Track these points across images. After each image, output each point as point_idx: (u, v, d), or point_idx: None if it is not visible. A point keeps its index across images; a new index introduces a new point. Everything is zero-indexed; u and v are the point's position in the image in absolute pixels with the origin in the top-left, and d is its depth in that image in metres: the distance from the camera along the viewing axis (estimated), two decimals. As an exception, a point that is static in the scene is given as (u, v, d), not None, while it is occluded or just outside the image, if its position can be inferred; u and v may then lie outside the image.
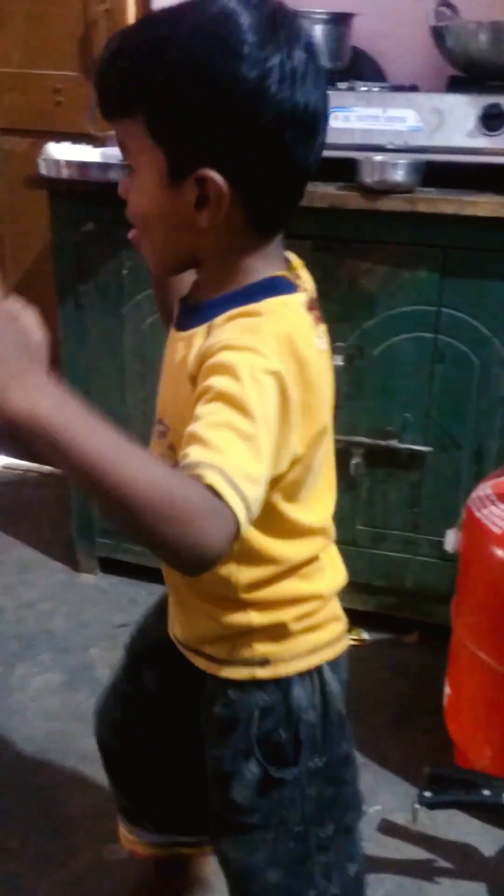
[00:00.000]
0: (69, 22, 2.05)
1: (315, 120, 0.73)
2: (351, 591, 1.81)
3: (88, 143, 1.76)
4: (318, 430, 0.79)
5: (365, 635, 1.85)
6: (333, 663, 0.92)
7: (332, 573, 0.93)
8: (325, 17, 1.65)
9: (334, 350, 1.60)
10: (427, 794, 1.23)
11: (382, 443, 1.66)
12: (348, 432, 1.67)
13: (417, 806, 1.24)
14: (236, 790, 0.87)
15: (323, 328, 0.82)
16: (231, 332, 0.72)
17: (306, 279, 0.83)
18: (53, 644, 1.81)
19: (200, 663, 0.90)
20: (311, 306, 0.80)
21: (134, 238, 0.81)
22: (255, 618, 0.85)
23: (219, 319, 0.75)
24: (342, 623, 0.96)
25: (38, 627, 1.85)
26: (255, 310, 0.73)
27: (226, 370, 0.67)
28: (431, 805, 1.24)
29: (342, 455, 1.68)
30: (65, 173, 1.59)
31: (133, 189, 0.76)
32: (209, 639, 0.88)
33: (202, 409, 0.67)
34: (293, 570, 0.85)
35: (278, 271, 0.78)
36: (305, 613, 0.88)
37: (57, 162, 1.59)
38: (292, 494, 0.80)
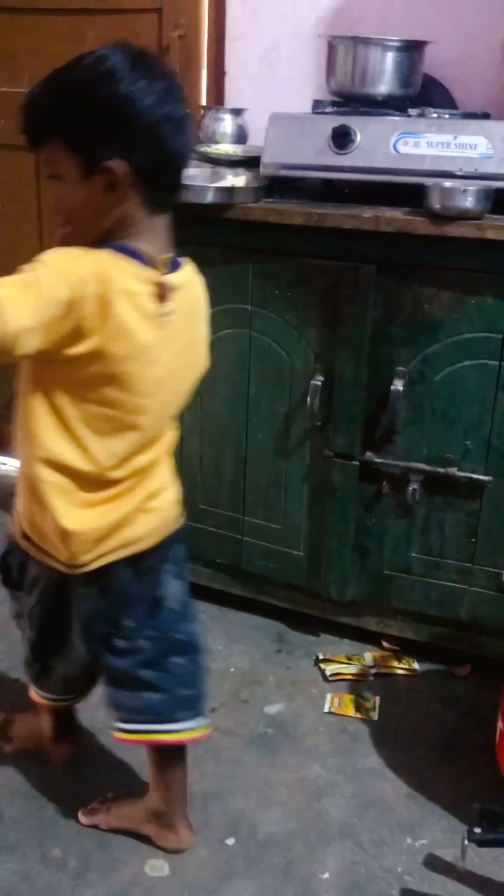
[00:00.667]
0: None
1: (179, 122, 1.04)
2: (403, 619, 1.81)
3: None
4: (98, 351, 1.00)
5: (416, 665, 1.82)
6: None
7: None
8: (398, 44, 1.66)
9: (395, 374, 1.60)
10: (477, 830, 1.20)
11: (441, 470, 1.64)
12: (407, 458, 1.66)
13: (467, 842, 1.21)
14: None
15: (169, 306, 1.07)
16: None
17: (181, 273, 1.11)
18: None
19: None
20: (158, 287, 1.05)
21: (63, 237, 1.06)
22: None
23: None
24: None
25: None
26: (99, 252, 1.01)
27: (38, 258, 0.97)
28: (481, 843, 1.21)
29: (400, 480, 1.67)
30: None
31: (62, 194, 1.05)
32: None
33: None
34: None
35: (146, 250, 1.05)
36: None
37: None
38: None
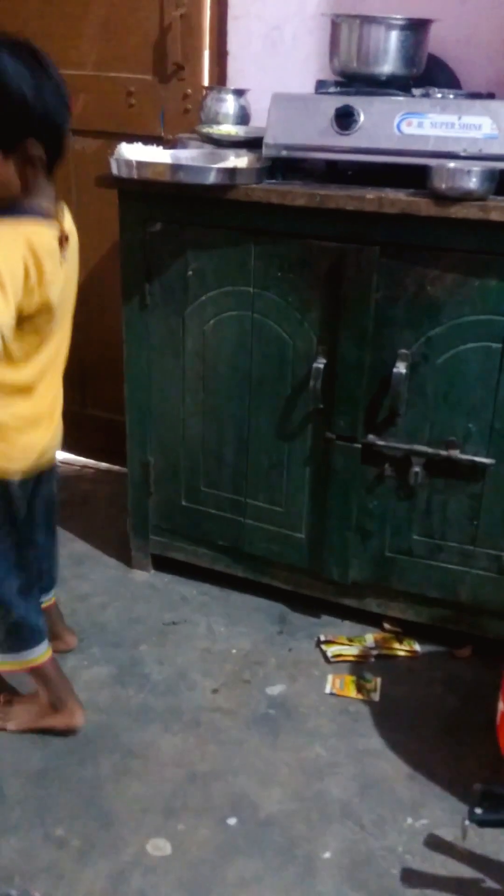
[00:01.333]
0: (145, 27, 2.07)
1: (66, 105, 1.26)
2: (404, 601, 1.81)
3: (159, 145, 1.78)
4: (42, 301, 1.27)
5: (417, 647, 1.82)
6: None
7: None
8: (402, 23, 1.64)
9: (398, 357, 1.60)
10: (478, 811, 1.20)
11: (444, 453, 1.64)
12: (409, 441, 1.66)
13: (468, 823, 1.22)
14: None
15: (68, 250, 1.35)
16: None
17: (67, 220, 1.37)
18: (104, 638, 1.83)
19: None
20: (61, 238, 1.31)
21: None
22: None
23: None
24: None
25: (89, 621, 1.87)
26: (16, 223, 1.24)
27: None
28: (482, 823, 1.22)
29: (402, 463, 1.67)
30: (136, 173, 1.60)
31: None
32: None
33: None
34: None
35: (45, 206, 1.30)
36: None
37: (129, 162, 1.61)
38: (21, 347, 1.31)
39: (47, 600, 1.68)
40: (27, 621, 1.48)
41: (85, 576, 2.03)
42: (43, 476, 1.49)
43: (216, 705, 1.65)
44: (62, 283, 1.34)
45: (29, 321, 1.29)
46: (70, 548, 2.13)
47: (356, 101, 1.58)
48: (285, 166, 1.67)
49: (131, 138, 1.74)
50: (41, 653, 1.51)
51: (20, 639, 1.49)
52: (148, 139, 1.81)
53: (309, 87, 1.78)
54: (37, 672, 1.53)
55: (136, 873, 1.31)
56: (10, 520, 1.42)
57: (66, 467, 2.53)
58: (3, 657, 1.50)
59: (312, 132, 1.61)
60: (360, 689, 1.70)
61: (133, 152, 1.66)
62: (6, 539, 1.43)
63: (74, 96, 2.16)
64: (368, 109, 1.58)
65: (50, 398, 1.44)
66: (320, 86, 1.74)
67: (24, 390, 1.37)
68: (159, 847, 1.36)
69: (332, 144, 1.61)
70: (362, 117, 1.58)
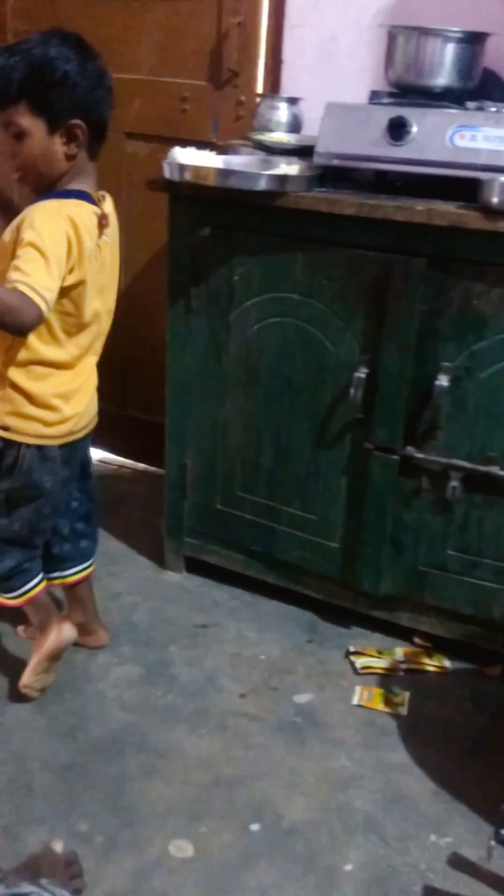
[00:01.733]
0: (202, 34, 2.09)
1: (110, 92, 1.40)
2: (436, 616, 1.80)
3: (211, 150, 1.79)
4: (80, 278, 1.38)
5: (447, 663, 1.81)
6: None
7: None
8: (458, 36, 1.64)
9: (440, 369, 1.59)
10: (504, 831, 1.19)
11: (482, 468, 1.62)
12: (448, 454, 1.65)
13: (493, 843, 1.20)
14: None
15: (108, 232, 1.44)
16: (39, 210, 1.35)
17: (108, 204, 1.48)
18: (135, 637, 1.84)
19: None
20: (101, 218, 1.42)
21: (19, 180, 1.41)
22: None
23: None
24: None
25: (121, 619, 1.88)
26: (60, 202, 1.37)
27: (30, 227, 1.32)
28: (509, 844, 1.20)
29: (440, 477, 1.66)
30: (188, 177, 1.62)
31: (23, 148, 1.37)
32: None
33: (19, 251, 1.31)
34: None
35: (89, 190, 1.42)
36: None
37: (181, 166, 1.62)
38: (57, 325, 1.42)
39: (85, 569, 1.72)
40: (15, 563, 1.56)
41: (118, 574, 2.05)
42: (78, 444, 1.56)
43: (243, 710, 1.66)
44: (99, 263, 1.43)
45: (66, 296, 1.38)
46: (105, 546, 2.14)
47: (409, 113, 1.58)
48: (335, 175, 1.68)
49: (183, 143, 1.75)
50: (32, 586, 1.59)
51: (12, 577, 1.58)
52: (199, 145, 1.83)
53: (362, 98, 1.79)
54: (31, 605, 1.60)
55: (157, 873, 1.32)
56: (32, 482, 1.49)
57: (103, 467, 2.55)
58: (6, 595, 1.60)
59: (364, 142, 1.61)
60: (387, 702, 1.69)
61: (186, 156, 1.67)
62: (14, 510, 1.52)
63: (129, 100, 2.21)
64: (421, 121, 1.58)
65: (86, 375, 1.52)
66: (374, 96, 1.75)
67: (64, 366, 1.46)
68: (182, 848, 1.37)
69: (383, 155, 1.61)
70: (415, 129, 1.58)
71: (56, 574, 1.69)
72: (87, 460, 1.65)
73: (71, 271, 1.36)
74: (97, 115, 1.38)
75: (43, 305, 1.29)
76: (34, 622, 1.62)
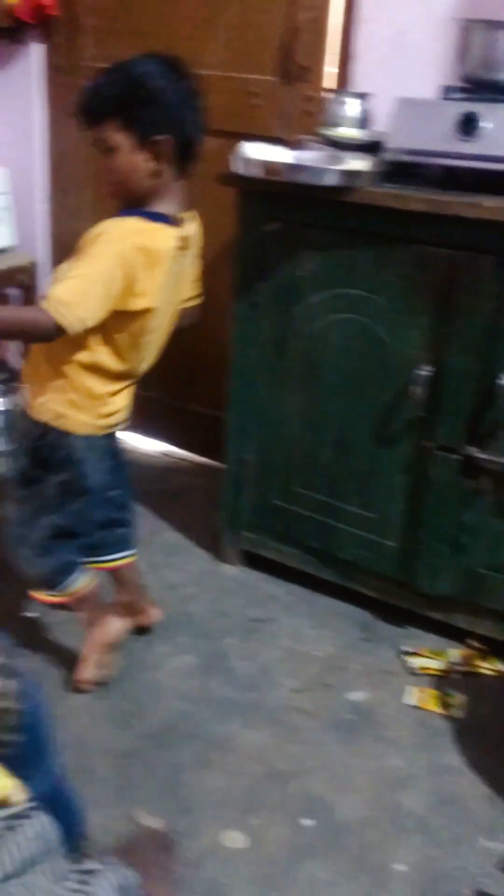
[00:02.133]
0: (273, 29, 2.09)
1: (200, 112, 1.42)
2: (493, 619, 1.77)
3: (279, 145, 1.79)
4: (147, 306, 1.42)
5: (502, 667, 1.78)
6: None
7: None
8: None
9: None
10: None
11: (547, 470, 1.60)
12: (511, 456, 1.62)
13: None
14: None
15: (187, 254, 1.50)
16: (108, 229, 1.39)
17: (192, 226, 1.51)
18: (192, 628, 1.86)
19: None
20: (182, 242, 1.45)
21: (109, 194, 1.45)
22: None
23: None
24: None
25: (178, 610, 1.91)
26: (136, 227, 1.40)
27: (86, 243, 1.38)
28: None
29: (502, 478, 1.64)
30: (257, 172, 1.62)
31: (113, 162, 1.40)
32: None
33: (72, 264, 1.39)
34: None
35: (171, 211, 1.44)
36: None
37: (250, 160, 1.63)
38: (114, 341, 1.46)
39: (124, 557, 1.73)
40: (61, 561, 1.59)
41: (176, 566, 2.07)
42: (114, 434, 1.61)
43: (297, 706, 1.66)
44: (172, 285, 1.46)
45: (134, 320, 1.43)
46: (163, 537, 2.17)
47: (481, 108, 1.56)
48: (404, 171, 1.66)
49: (251, 138, 1.75)
50: (84, 581, 1.61)
51: (59, 574, 1.60)
52: (268, 140, 1.83)
53: (433, 93, 1.77)
54: (79, 601, 1.63)
55: (210, 862, 1.33)
56: (83, 473, 1.53)
57: (165, 459, 2.58)
58: (49, 592, 1.63)
59: (435, 137, 1.60)
60: (442, 703, 1.67)
61: (255, 151, 1.67)
62: (58, 488, 1.53)
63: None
64: (493, 116, 1.55)
65: (137, 377, 1.57)
66: (445, 91, 1.72)
67: (123, 375, 1.51)
68: (235, 839, 1.38)
69: (454, 150, 1.59)
70: (487, 124, 1.55)
71: (93, 559, 1.71)
72: (120, 449, 1.68)
73: (137, 297, 1.39)
74: (186, 134, 1.40)
75: (64, 319, 1.31)
76: (83, 618, 1.65)
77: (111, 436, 1.59)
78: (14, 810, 0.84)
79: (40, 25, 2.45)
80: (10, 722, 0.96)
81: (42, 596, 1.66)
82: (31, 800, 0.87)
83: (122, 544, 1.73)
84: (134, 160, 1.39)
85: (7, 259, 2.50)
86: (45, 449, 1.51)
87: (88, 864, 0.86)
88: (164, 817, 1.40)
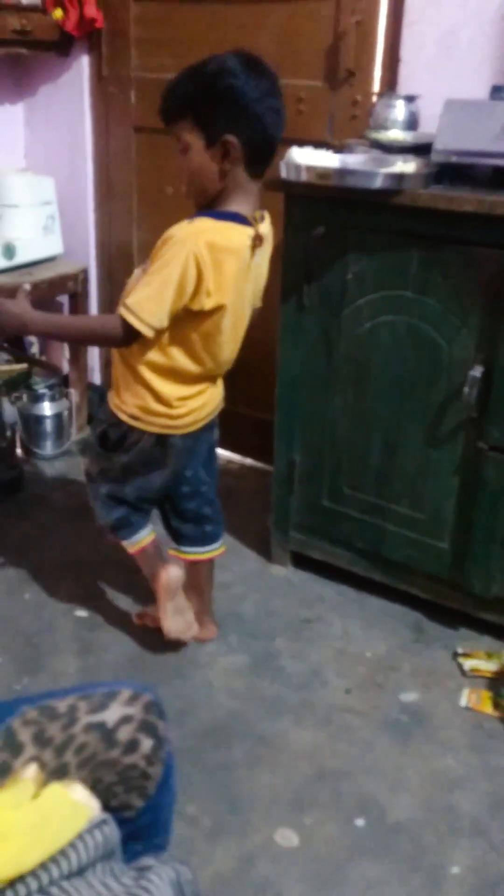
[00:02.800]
0: (319, 34, 2.10)
1: (277, 111, 1.40)
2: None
3: (327, 150, 1.80)
4: (216, 302, 1.42)
5: None
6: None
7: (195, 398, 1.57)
8: None
9: None
10: None
11: None
12: None
13: None
14: None
15: (259, 252, 1.47)
16: (177, 233, 1.40)
17: (265, 224, 1.50)
18: (242, 628, 1.87)
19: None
20: (255, 239, 1.44)
21: (186, 194, 1.46)
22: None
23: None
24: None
25: (228, 610, 1.92)
26: (204, 227, 1.41)
27: (157, 249, 1.41)
28: None
29: None
30: (304, 177, 1.64)
31: (187, 161, 1.42)
32: None
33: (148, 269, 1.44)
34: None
35: (244, 210, 1.44)
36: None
37: (298, 166, 1.64)
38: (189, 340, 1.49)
39: (207, 551, 1.76)
40: (118, 517, 1.69)
41: (226, 566, 2.08)
42: (202, 432, 1.62)
43: (348, 705, 1.66)
44: (245, 282, 1.47)
45: (208, 318, 1.45)
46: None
47: (532, 107, 1.55)
48: (452, 172, 1.66)
49: (299, 144, 1.77)
50: (140, 538, 1.72)
51: (117, 528, 1.72)
52: (315, 144, 1.84)
53: (483, 93, 1.76)
54: (139, 554, 1.73)
55: (263, 860, 1.35)
56: (149, 460, 1.59)
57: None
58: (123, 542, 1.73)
59: (484, 138, 1.59)
60: (496, 705, 1.66)
61: (303, 156, 1.69)
62: (121, 467, 1.62)
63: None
64: (545, 115, 1.54)
65: (211, 381, 1.60)
66: (495, 91, 1.72)
67: (198, 377, 1.55)
68: (287, 838, 1.39)
69: (503, 150, 1.58)
70: (538, 123, 1.54)
71: (176, 548, 1.76)
72: (212, 444, 1.70)
73: (208, 295, 1.40)
74: (260, 133, 1.39)
75: (136, 322, 1.38)
76: (146, 571, 1.73)
77: (195, 434, 1.60)
78: (94, 822, 0.83)
79: (87, 38, 2.50)
80: (141, 785, 0.91)
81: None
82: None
83: (206, 540, 1.75)
84: (203, 160, 1.39)
85: (56, 267, 2.55)
86: (118, 436, 1.60)
87: (143, 862, 0.87)
88: (215, 815, 1.41)
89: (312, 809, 1.44)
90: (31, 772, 0.85)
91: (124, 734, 0.89)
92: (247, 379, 2.49)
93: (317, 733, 1.59)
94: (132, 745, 0.89)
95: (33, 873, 0.76)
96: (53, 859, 0.78)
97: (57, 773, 0.87)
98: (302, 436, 1.94)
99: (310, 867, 1.34)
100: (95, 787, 0.88)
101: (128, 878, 0.84)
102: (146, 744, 0.90)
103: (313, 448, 1.93)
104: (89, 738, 0.88)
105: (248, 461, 2.59)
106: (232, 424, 2.55)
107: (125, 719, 0.90)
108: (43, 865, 0.77)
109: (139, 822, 0.92)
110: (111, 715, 0.90)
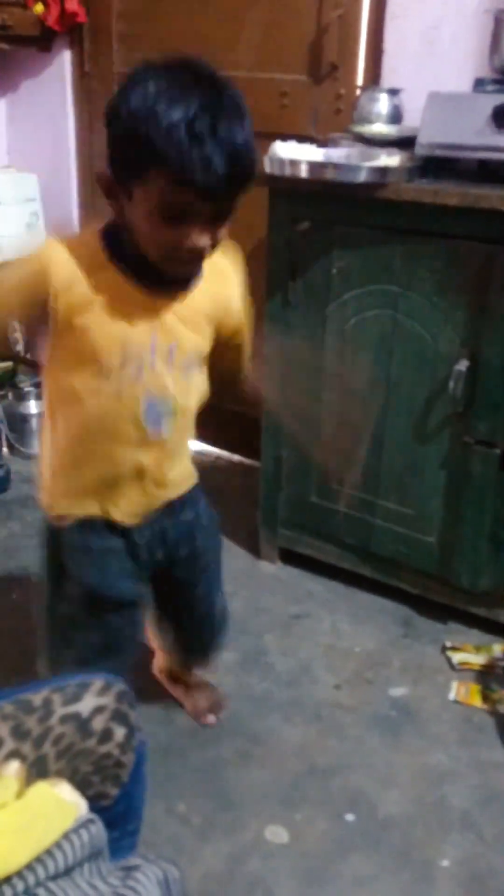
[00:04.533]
0: (302, 28, 2.10)
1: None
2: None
3: (311, 144, 1.80)
4: None
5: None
6: None
7: None
8: None
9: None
10: None
11: None
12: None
13: None
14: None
15: None
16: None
17: None
18: (230, 625, 1.86)
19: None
20: None
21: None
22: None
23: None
24: None
25: (217, 608, 1.92)
26: None
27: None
28: None
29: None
30: (288, 171, 1.63)
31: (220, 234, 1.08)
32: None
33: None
34: None
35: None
36: None
37: (282, 160, 1.64)
38: None
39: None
40: None
41: (214, 564, 2.08)
42: (147, 525, 1.29)
43: (338, 701, 1.66)
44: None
45: None
46: (200, 536, 2.18)
47: (516, 100, 1.55)
48: (437, 166, 1.66)
49: (282, 138, 1.76)
50: None
51: None
52: (299, 139, 1.83)
53: (466, 86, 1.76)
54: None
55: (253, 857, 1.34)
56: (68, 574, 1.27)
57: (199, 458, 2.58)
58: None
59: (468, 131, 1.59)
60: (485, 699, 1.66)
61: (287, 151, 1.68)
62: (63, 600, 1.28)
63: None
64: (528, 108, 1.54)
65: None
66: (478, 84, 1.72)
67: None
68: (277, 834, 1.39)
69: (487, 143, 1.58)
70: (521, 116, 1.54)
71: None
72: (176, 543, 1.39)
73: None
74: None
75: None
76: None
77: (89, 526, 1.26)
78: (80, 821, 0.83)
79: (69, 33, 2.48)
80: (115, 774, 0.93)
81: None
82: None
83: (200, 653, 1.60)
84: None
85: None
86: None
87: (131, 861, 0.87)
88: (205, 813, 1.41)
89: (302, 806, 1.43)
90: (13, 768, 0.84)
91: (98, 723, 0.91)
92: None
93: (306, 729, 1.59)
94: (106, 735, 0.91)
95: (19, 874, 0.76)
96: (40, 860, 0.78)
97: (36, 765, 0.87)
98: (289, 432, 1.93)
99: (300, 863, 1.34)
100: (73, 777, 0.89)
101: (115, 877, 0.84)
102: (119, 732, 0.92)
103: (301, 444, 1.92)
104: (66, 728, 0.89)
105: (236, 458, 2.58)
106: (219, 420, 2.55)
107: (99, 709, 0.91)
108: (29, 866, 0.77)
109: (114, 810, 0.94)
110: (85, 705, 0.91)
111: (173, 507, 1.33)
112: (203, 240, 1.05)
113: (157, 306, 1.14)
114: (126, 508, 1.25)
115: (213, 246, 1.08)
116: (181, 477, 1.35)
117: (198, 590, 1.45)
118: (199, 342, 1.22)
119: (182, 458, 1.34)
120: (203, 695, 1.63)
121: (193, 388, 1.25)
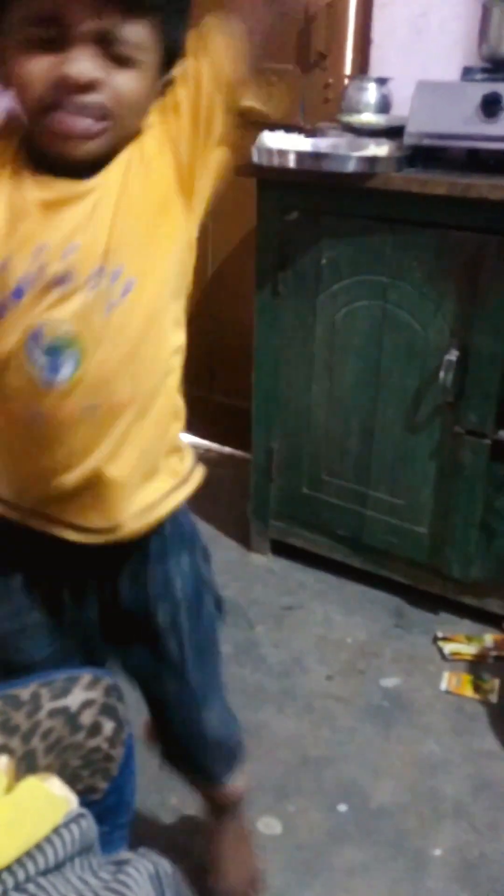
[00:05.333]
0: (289, 17, 2.08)
1: None
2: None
3: (299, 134, 1.79)
4: None
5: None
6: None
7: None
8: None
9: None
10: None
11: None
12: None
13: None
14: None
15: None
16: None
17: None
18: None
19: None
20: None
21: (93, 134, 0.79)
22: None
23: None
24: None
25: (208, 600, 1.91)
26: None
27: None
28: None
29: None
30: (276, 161, 1.62)
31: (120, 80, 0.78)
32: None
33: None
34: None
35: None
36: None
37: (269, 150, 1.63)
38: None
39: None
40: None
41: (205, 556, 2.08)
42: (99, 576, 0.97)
43: (330, 692, 1.66)
44: None
45: None
46: (191, 528, 2.18)
47: (504, 88, 1.55)
48: (426, 155, 1.65)
49: (270, 128, 1.75)
50: None
51: None
52: (287, 129, 1.82)
53: (454, 75, 1.76)
54: None
55: (246, 848, 1.34)
56: None
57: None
58: None
59: (457, 120, 1.58)
60: (477, 688, 1.67)
61: (274, 141, 1.67)
62: None
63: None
64: (517, 96, 1.54)
65: None
66: (467, 73, 1.71)
67: None
68: (270, 826, 1.39)
69: (476, 132, 1.57)
70: (510, 104, 1.54)
71: None
72: (150, 602, 1.04)
73: None
74: None
75: None
76: None
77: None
78: (70, 816, 0.83)
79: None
80: (104, 768, 0.93)
81: None
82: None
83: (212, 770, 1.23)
84: (154, 85, 0.83)
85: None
86: None
87: (122, 855, 0.87)
88: (198, 805, 1.41)
89: (295, 797, 1.44)
90: (2, 764, 0.84)
91: (87, 717, 0.90)
92: (223, 366, 2.48)
93: (299, 721, 1.59)
94: (95, 728, 0.91)
95: (9, 870, 0.75)
96: (30, 855, 0.77)
97: (25, 759, 0.87)
98: (279, 423, 1.93)
99: (293, 854, 1.34)
100: (62, 771, 0.89)
101: (105, 872, 0.83)
102: (108, 726, 0.92)
103: (291, 435, 1.92)
104: (54, 723, 0.89)
105: (226, 449, 2.58)
106: (209, 413, 2.55)
107: (87, 703, 0.91)
108: (19, 861, 0.76)
109: (105, 803, 0.94)
110: (74, 700, 0.90)
111: (128, 553, 0.95)
112: (87, 65, 0.75)
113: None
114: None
115: (118, 96, 0.78)
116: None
117: (168, 696, 1.07)
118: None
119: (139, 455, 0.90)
120: (235, 857, 1.24)
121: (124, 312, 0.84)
